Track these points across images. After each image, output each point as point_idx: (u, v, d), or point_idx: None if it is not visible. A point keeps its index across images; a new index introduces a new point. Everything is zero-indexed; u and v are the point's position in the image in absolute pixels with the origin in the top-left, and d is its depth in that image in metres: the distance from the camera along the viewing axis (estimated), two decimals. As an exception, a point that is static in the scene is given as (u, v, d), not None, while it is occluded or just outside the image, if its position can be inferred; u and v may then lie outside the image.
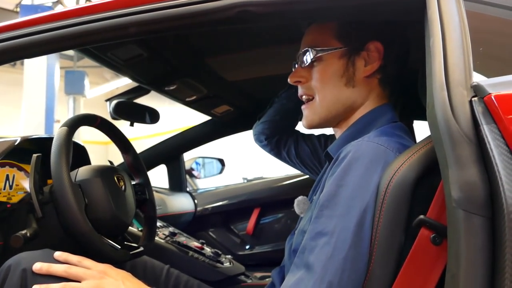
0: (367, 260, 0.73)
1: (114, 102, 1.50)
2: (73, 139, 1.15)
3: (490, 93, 0.56)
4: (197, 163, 2.74)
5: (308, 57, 0.94)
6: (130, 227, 1.45)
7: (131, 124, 1.59)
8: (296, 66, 1.00)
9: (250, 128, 2.20)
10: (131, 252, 1.10)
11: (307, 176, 2.23)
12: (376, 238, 0.72)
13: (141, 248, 1.15)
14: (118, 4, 0.88)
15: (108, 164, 1.23)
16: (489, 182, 0.55)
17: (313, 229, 0.77)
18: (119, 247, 1.09)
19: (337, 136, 0.99)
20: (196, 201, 2.24)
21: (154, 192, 2.02)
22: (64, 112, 6.73)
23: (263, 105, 2.05)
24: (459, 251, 0.57)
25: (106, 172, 1.12)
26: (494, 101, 0.55)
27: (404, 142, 0.84)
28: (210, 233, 2.21)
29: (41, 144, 1.20)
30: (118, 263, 1.18)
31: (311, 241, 0.76)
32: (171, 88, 1.50)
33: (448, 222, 0.61)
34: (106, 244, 1.03)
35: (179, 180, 2.28)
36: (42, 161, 1.04)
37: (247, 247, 2.18)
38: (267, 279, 1.79)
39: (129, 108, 1.55)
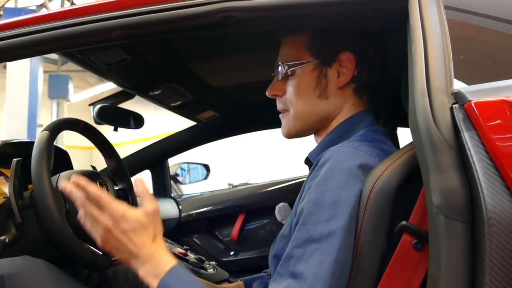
0: (353, 262, 0.73)
1: (98, 106, 1.48)
2: (55, 144, 1.14)
3: (470, 100, 0.57)
4: (182, 169, 2.73)
5: (282, 71, 0.95)
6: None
7: (115, 129, 1.57)
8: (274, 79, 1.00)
9: (236, 134, 2.22)
10: (113, 258, 1.09)
11: (292, 182, 2.24)
12: (359, 244, 0.73)
13: (123, 254, 1.13)
14: (102, 8, 0.87)
15: (91, 169, 1.22)
16: (469, 187, 0.56)
17: (299, 237, 0.76)
18: (101, 253, 1.08)
19: (317, 142, 1.00)
20: (180, 206, 2.22)
21: (138, 199, 2.00)
22: (48, 117, 6.63)
23: (249, 111, 2.07)
24: (440, 256, 0.57)
25: (89, 177, 1.10)
26: (474, 108, 0.56)
27: (384, 147, 0.86)
28: (195, 239, 2.20)
29: (22, 148, 1.18)
30: (100, 270, 1.17)
31: (298, 248, 0.75)
32: (156, 93, 1.49)
33: (429, 228, 0.62)
34: (87, 250, 1.01)
35: (163, 185, 2.25)
36: (23, 165, 1.02)
37: (232, 253, 2.17)
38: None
39: (112, 113, 1.54)
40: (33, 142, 1.04)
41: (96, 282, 1.18)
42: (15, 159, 1.01)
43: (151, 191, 2.26)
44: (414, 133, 0.65)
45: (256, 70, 1.53)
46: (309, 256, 0.73)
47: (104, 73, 1.26)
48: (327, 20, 0.85)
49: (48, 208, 0.94)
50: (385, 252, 0.72)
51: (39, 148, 0.99)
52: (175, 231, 2.15)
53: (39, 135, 1.02)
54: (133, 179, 1.80)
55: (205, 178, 2.61)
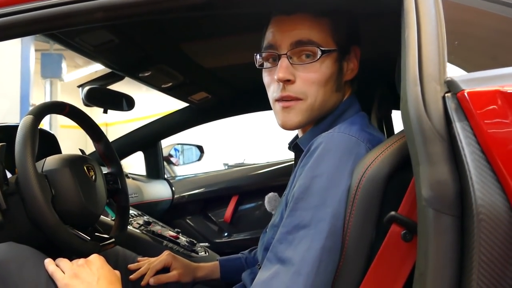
0: (341, 250, 0.72)
1: (86, 88, 1.45)
2: (43, 128, 1.11)
3: (463, 89, 0.55)
4: (175, 150, 2.71)
5: (306, 56, 0.85)
6: (102, 217, 1.42)
7: (105, 111, 1.54)
8: (270, 59, 0.90)
9: (228, 116, 2.19)
10: (101, 244, 1.08)
11: (286, 164, 2.23)
12: (348, 233, 0.72)
13: (112, 239, 1.12)
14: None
15: (79, 153, 1.19)
16: (459, 180, 0.54)
17: (289, 223, 0.76)
18: (89, 238, 1.06)
19: (302, 131, 0.96)
20: (173, 188, 2.22)
21: (131, 180, 1.99)
22: (41, 97, 6.54)
23: (242, 92, 2.03)
24: (428, 249, 0.56)
25: (75, 162, 1.08)
26: (467, 97, 0.54)
27: (373, 132, 0.85)
28: (188, 221, 2.20)
29: (8, 133, 1.15)
30: (88, 256, 1.16)
31: (287, 234, 0.75)
32: (146, 74, 1.46)
33: (418, 220, 0.61)
34: (74, 236, 1.00)
35: (156, 167, 2.24)
36: (8, 150, 0.99)
37: (225, 234, 2.17)
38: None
39: (102, 95, 1.51)
40: (18, 126, 1.01)
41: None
42: (-2, 144, 0.99)
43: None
44: (405, 122, 0.63)
45: (249, 51, 1.49)
46: (298, 242, 0.73)
47: (91, 55, 1.22)
48: (320, 3, 0.82)
49: (33, 195, 0.92)
50: (373, 241, 0.71)
51: (23, 133, 0.96)
52: (168, 212, 2.14)
53: (23, 119, 1.00)
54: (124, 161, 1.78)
55: (199, 159, 2.60)
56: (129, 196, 1.80)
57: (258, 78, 1.31)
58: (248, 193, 2.20)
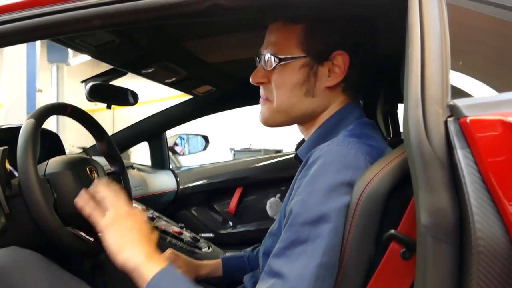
0: (339, 266, 0.72)
1: (89, 84, 1.45)
2: (46, 128, 1.11)
3: (466, 116, 0.53)
4: (181, 139, 2.71)
5: (269, 62, 0.89)
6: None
7: (108, 107, 1.54)
8: (258, 63, 0.94)
9: (233, 108, 2.18)
10: (104, 245, 1.08)
11: (290, 156, 2.23)
12: (346, 249, 0.71)
13: (115, 240, 1.13)
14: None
15: (80, 154, 1.19)
16: (459, 208, 0.53)
17: (286, 238, 0.75)
18: (92, 239, 1.07)
19: (304, 137, 0.96)
20: (178, 179, 2.22)
21: (136, 171, 2.00)
22: (48, 81, 6.54)
23: (246, 85, 2.01)
24: (427, 276, 0.55)
25: (78, 164, 1.08)
26: (470, 125, 0.53)
27: (373, 142, 0.83)
28: (192, 212, 2.21)
29: (11, 134, 1.15)
30: (91, 256, 1.17)
31: (285, 250, 0.74)
32: (149, 71, 1.45)
33: (417, 242, 0.60)
34: (77, 239, 1.01)
35: (161, 158, 2.25)
36: (12, 151, 0.99)
37: (229, 226, 2.18)
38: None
39: (105, 91, 1.50)
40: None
41: (89, 267, 1.18)
42: (0, 148, 0.99)
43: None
44: (406, 143, 0.61)
45: (251, 46, 1.47)
46: (295, 258, 0.72)
47: (93, 54, 1.21)
48: (319, 8, 0.80)
49: (35, 200, 0.93)
50: (372, 258, 0.70)
51: (25, 137, 0.96)
52: (173, 204, 2.16)
53: (25, 123, 1.00)
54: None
55: (204, 149, 2.59)
56: (134, 188, 1.82)
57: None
58: (252, 184, 2.20)
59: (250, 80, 0.93)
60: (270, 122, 0.93)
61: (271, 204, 1.02)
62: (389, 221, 0.69)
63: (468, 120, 0.53)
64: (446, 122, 0.55)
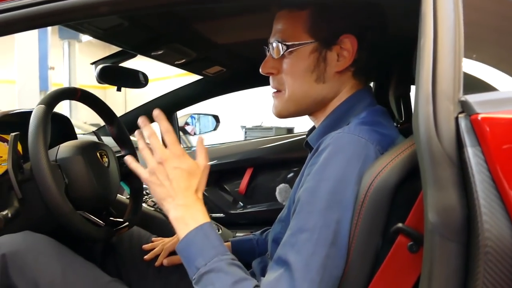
0: (346, 257, 0.72)
1: (99, 67, 1.44)
2: (57, 111, 1.12)
3: (477, 113, 0.52)
4: (192, 117, 2.71)
5: (278, 50, 0.88)
6: (118, 195, 1.45)
7: (118, 89, 1.54)
8: (268, 53, 0.93)
9: (244, 88, 2.17)
10: (115, 229, 1.10)
11: (301, 137, 2.22)
12: (353, 241, 0.71)
13: (126, 224, 1.15)
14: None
15: (91, 138, 1.20)
16: (467, 207, 0.52)
17: (294, 225, 0.75)
18: (103, 224, 1.09)
19: (315, 124, 0.96)
20: (189, 159, 2.23)
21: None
22: (60, 58, 6.56)
23: (257, 65, 1.99)
24: (432, 273, 0.55)
25: (88, 149, 1.09)
26: (481, 123, 0.51)
27: (384, 130, 0.82)
28: (203, 192, 2.22)
29: (23, 117, 1.16)
30: (102, 241, 1.19)
31: (291, 237, 0.75)
32: (158, 53, 1.44)
33: (424, 237, 0.60)
34: (88, 224, 1.02)
35: (172, 138, 2.26)
36: (24, 135, 1.00)
37: (239, 206, 2.20)
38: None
39: (115, 73, 1.50)
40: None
41: (100, 251, 1.20)
42: (12, 134, 1.00)
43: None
44: (416, 137, 0.60)
45: (263, 28, 1.45)
46: (301, 246, 0.72)
47: (101, 37, 1.21)
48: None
49: (47, 186, 0.94)
50: (379, 250, 0.70)
51: (35, 123, 0.97)
52: (184, 184, 2.17)
53: (36, 109, 1.00)
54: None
55: (215, 129, 2.59)
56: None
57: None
58: (263, 165, 2.20)
59: (260, 70, 0.93)
60: (284, 113, 0.93)
61: (280, 190, 1.02)
62: (397, 213, 0.69)
63: (479, 118, 0.52)
64: (457, 119, 0.54)
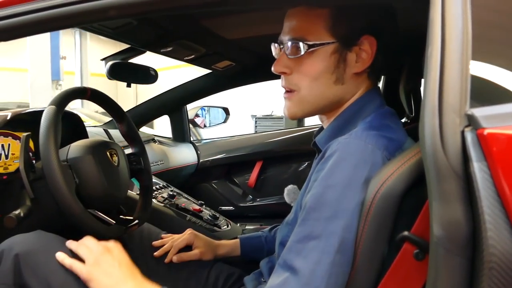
0: (352, 264, 0.73)
1: (109, 64, 1.45)
2: (69, 110, 1.13)
3: (484, 128, 0.52)
4: (202, 109, 2.72)
5: (296, 49, 0.84)
6: (129, 191, 1.47)
7: (128, 85, 1.55)
8: (279, 50, 0.90)
9: (254, 82, 2.17)
10: (125, 227, 1.12)
11: (310, 130, 2.21)
12: (359, 247, 0.72)
13: (136, 221, 1.17)
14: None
15: (101, 137, 1.21)
16: (473, 221, 0.52)
17: (300, 232, 0.76)
18: (113, 222, 1.11)
19: (323, 124, 0.95)
20: (199, 152, 2.25)
21: (157, 145, 2.03)
22: (71, 48, 6.59)
23: (267, 60, 1.98)
24: (436, 286, 0.55)
25: (98, 148, 1.10)
26: (488, 138, 0.51)
27: (392, 135, 0.81)
28: (213, 185, 2.24)
29: (35, 115, 1.17)
30: (113, 239, 1.21)
31: (298, 243, 0.75)
32: (167, 50, 1.44)
33: (430, 248, 0.60)
34: (99, 223, 1.04)
35: (182, 130, 2.28)
36: (36, 133, 1.02)
37: (249, 199, 2.21)
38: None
39: (125, 69, 1.51)
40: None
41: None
42: (24, 134, 1.01)
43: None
44: (422, 149, 0.60)
45: (273, 23, 1.44)
46: (307, 253, 0.73)
47: (111, 36, 1.21)
48: None
49: (58, 186, 0.95)
50: (385, 257, 0.71)
51: (46, 124, 0.98)
52: (193, 177, 2.19)
53: (46, 110, 1.01)
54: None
55: (225, 121, 2.60)
56: (155, 163, 1.86)
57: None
58: (272, 158, 2.21)
59: (273, 69, 0.89)
60: (298, 114, 0.90)
61: (289, 192, 1.03)
62: (404, 220, 0.69)
63: (485, 133, 0.51)
64: (463, 132, 0.54)
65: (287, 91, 0.90)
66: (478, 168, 0.51)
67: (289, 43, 0.85)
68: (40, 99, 5.16)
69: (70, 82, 7.09)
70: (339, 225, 0.72)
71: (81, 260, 0.90)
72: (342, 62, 0.85)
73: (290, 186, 1.03)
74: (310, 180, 0.82)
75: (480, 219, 0.50)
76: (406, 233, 0.66)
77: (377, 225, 0.70)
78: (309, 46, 0.83)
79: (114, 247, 0.93)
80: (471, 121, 0.53)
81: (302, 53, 0.84)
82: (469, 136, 0.53)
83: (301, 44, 0.83)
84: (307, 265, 0.72)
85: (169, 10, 0.83)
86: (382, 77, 1.86)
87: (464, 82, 0.56)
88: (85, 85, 6.91)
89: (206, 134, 3.43)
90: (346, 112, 0.89)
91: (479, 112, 0.53)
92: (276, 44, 0.93)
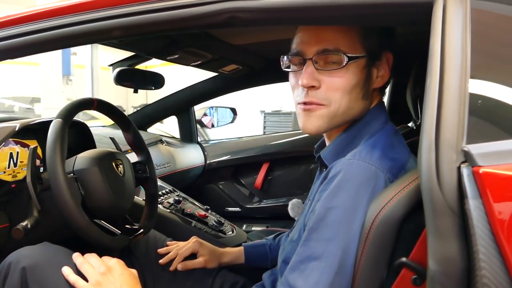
0: (351, 286, 0.74)
1: (117, 70, 1.47)
2: (77, 119, 1.14)
3: (480, 166, 0.52)
4: (210, 110, 2.73)
5: (330, 61, 0.81)
6: (135, 197, 1.49)
7: (135, 91, 1.56)
8: (298, 61, 0.86)
9: (261, 84, 2.17)
10: (130, 237, 1.14)
11: (318, 133, 2.21)
12: (358, 270, 0.72)
13: (141, 230, 1.18)
14: (102, 4, 0.82)
15: (107, 148, 1.23)
16: (467, 258, 0.53)
17: (302, 252, 0.77)
18: (119, 232, 1.13)
19: (327, 139, 0.94)
20: (206, 153, 2.26)
21: (164, 146, 2.04)
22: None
23: (273, 63, 1.98)
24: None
25: (104, 160, 1.12)
26: (482, 177, 0.51)
27: (396, 155, 0.81)
28: (220, 186, 2.26)
29: (43, 125, 1.19)
30: (119, 249, 1.23)
31: (300, 264, 0.77)
32: (174, 57, 1.45)
33: (427, 278, 0.60)
34: (104, 235, 1.05)
35: (189, 131, 2.30)
36: (44, 142, 1.03)
37: (255, 200, 2.23)
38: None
39: (132, 75, 1.52)
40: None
41: (118, 255, 1.24)
42: (31, 146, 1.03)
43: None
44: (420, 181, 0.60)
45: (280, 29, 1.44)
46: (308, 273, 0.75)
47: (117, 46, 1.22)
48: (339, 21, 0.77)
49: (63, 199, 0.97)
50: (384, 281, 0.71)
51: (53, 138, 1.00)
52: (200, 178, 2.21)
53: (53, 123, 1.03)
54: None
55: (232, 121, 2.61)
56: (163, 166, 1.87)
57: (288, 51, 1.22)
58: (279, 160, 2.22)
59: (301, 83, 0.82)
60: (323, 129, 0.86)
61: (293, 206, 1.03)
62: (402, 245, 0.69)
63: (481, 171, 0.51)
64: (459, 168, 0.54)
65: (309, 104, 0.84)
66: (473, 206, 0.51)
67: (324, 56, 0.82)
68: (51, 94, 5.21)
69: (81, 75, 7.14)
70: (340, 247, 0.73)
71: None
72: (369, 77, 0.85)
73: (294, 200, 1.03)
74: (314, 199, 0.83)
75: (475, 257, 0.51)
76: (404, 259, 0.67)
77: (376, 250, 0.70)
78: (349, 59, 0.80)
79: (116, 266, 0.94)
80: (467, 158, 0.54)
81: (343, 64, 0.80)
82: (465, 173, 0.53)
83: (343, 57, 0.80)
84: (307, 285, 0.74)
85: (171, 30, 0.84)
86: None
87: (461, 117, 0.56)
88: (96, 78, 6.99)
89: (214, 132, 3.43)
90: (354, 128, 0.89)
91: (476, 149, 0.53)
92: (289, 57, 0.88)
